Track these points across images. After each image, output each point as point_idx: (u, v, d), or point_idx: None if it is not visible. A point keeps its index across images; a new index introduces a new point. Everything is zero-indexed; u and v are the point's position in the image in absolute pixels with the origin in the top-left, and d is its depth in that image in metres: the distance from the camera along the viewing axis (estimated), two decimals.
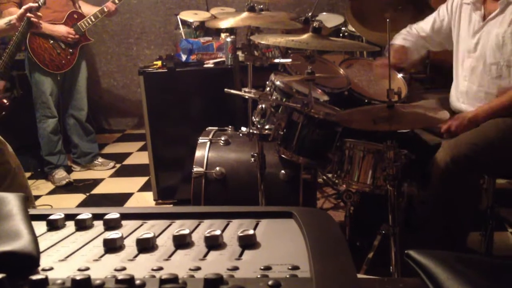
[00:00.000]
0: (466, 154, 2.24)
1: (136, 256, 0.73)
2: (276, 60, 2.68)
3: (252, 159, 2.42)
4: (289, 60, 2.70)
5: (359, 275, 0.72)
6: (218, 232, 0.76)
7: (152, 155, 3.57)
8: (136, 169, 4.37)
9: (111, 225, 0.84)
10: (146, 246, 0.75)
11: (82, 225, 0.84)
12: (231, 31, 4.00)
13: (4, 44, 3.50)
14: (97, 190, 4.04)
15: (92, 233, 0.82)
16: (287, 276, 0.65)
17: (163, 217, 0.87)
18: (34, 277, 0.61)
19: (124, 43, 5.60)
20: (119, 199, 3.82)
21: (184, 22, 4.11)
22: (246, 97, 2.47)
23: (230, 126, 2.82)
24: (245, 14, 2.46)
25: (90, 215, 0.85)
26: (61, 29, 3.97)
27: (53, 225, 0.84)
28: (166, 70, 3.51)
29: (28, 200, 0.86)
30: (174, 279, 0.60)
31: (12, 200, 0.81)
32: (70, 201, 3.81)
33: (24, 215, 0.77)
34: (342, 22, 3.97)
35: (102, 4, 4.09)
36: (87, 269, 0.69)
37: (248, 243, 0.75)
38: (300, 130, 2.33)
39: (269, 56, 3.54)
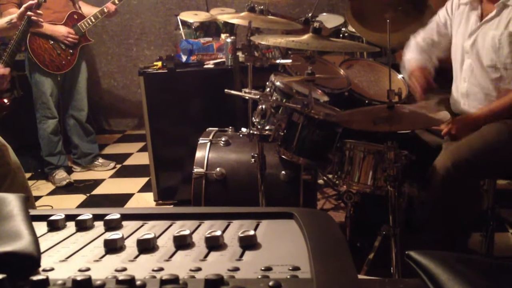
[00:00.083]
0: (467, 158, 2.23)
1: (136, 257, 0.73)
2: (276, 61, 2.68)
3: (253, 159, 2.42)
4: (289, 60, 2.70)
5: (360, 276, 0.72)
6: (218, 233, 0.76)
7: (152, 155, 3.57)
8: (137, 170, 4.37)
9: (111, 225, 0.84)
10: (146, 246, 0.75)
11: (82, 226, 0.84)
12: (231, 31, 4.00)
13: (4, 45, 3.49)
14: (98, 190, 4.04)
15: (92, 233, 0.82)
16: (288, 276, 0.65)
17: (163, 217, 0.87)
18: (35, 278, 0.61)
19: (124, 43, 5.59)
20: (120, 199, 3.82)
21: (184, 23, 4.11)
22: (246, 97, 2.47)
23: (230, 127, 2.82)
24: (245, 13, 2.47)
25: (91, 216, 0.85)
26: (61, 30, 3.97)
27: (54, 226, 0.84)
28: (166, 71, 3.51)
29: (28, 201, 0.86)
30: (174, 279, 0.60)
31: (12, 201, 0.80)
32: (71, 202, 3.81)
33: (25, 216, 0.77)
34: (342, 23, 3.97)
35: (102, 4, 4.09)
36: (88, 269, 0.69)
37: (248, 243, 0.75)
38: (300, 131, 2.33)
39: (269, 57, 3.54)
